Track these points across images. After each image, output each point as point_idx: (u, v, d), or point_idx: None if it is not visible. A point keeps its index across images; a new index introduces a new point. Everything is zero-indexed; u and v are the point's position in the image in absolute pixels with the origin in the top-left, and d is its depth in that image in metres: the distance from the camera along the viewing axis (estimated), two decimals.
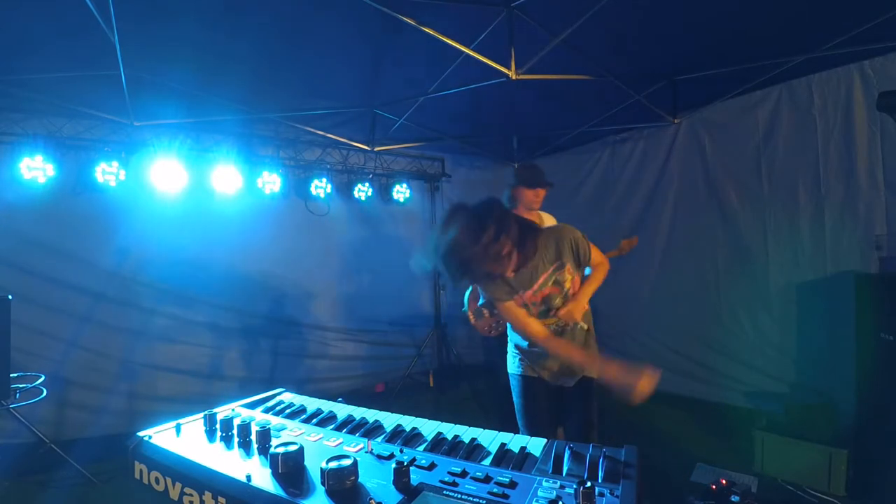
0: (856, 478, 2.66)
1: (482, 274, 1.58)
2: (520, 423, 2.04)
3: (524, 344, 2.02)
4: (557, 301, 1.88)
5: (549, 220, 2.91)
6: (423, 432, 1.46)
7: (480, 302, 2.79)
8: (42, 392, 2.80)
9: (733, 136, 3.84)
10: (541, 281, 1.84)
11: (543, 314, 1.91)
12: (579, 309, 1.87)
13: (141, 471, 1.34)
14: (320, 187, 4.58)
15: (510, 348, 2.14)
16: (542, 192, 2.77)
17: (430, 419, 1.55)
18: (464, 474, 1.15)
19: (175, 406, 3.70)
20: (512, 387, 2.11)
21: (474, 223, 1.50)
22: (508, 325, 2.08)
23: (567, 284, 1.86)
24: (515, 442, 1.37)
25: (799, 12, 2.60)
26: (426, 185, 5.48)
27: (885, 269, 2.94)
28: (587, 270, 1.96)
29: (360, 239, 5.05)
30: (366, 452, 1.28)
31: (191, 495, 1.20)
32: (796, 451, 2.85)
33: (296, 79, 3.43)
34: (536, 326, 1.85)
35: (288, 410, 1.67)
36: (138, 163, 3.75)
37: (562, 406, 2.06)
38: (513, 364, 2.10)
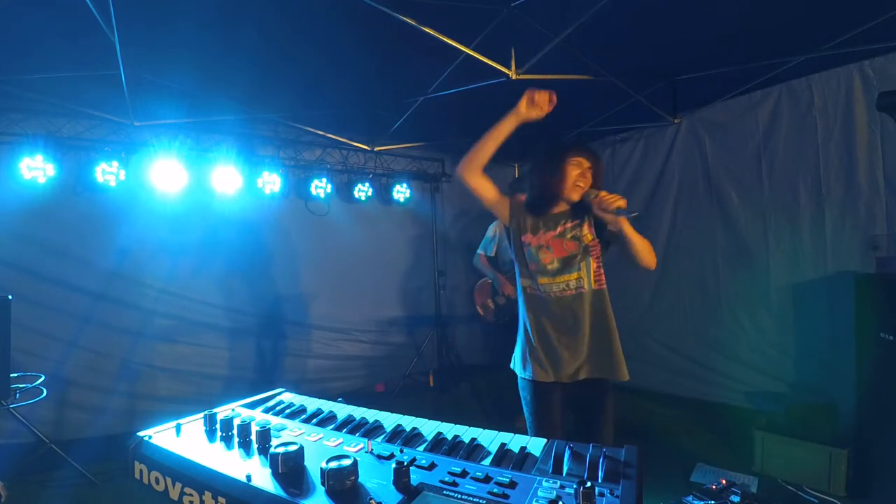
0: (856, 478, 2.66)
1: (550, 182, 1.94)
2: (531, 434, 1.84)
3: (542, 340, 1.90)
4: (578, 257, 1.90)
5: None
6: (423, 432, 1.46)
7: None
8: (42, 392, 2.79)
9: (733, 136, 3.84)
10: (559, 230, 1.92)
11: (560, 270, 1.90)
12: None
13: (141, 471, 1.34)
14: (320, 187, 4.58)
15: (519, 348, 1.99)
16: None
17: (430, 419, 1.54)
18: (464, 474, 1.14)
19: (175, 406, 3.71)
20: (522, 395, 1.95)
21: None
22: (521, 324, 1.99)
23: (586, 240, 1.91)
24: (515, 442, 1.37)
25: (799, 12, 2.59)
26: (426, 186, 5.47)
27: (882, 268, 2.93)
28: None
29: (360, 239, 5.04)
30: (366, 452, 1.28)
31: (191, 495, 1.20)
32: (796, 451, 2.85)
33: (296, 79, 3.43)
34: None
35: (288, 410, 1.67)
36: (138, 163, 3.75)
37: (578, 410, 1.95)
38: (524, 367, 1.94)
